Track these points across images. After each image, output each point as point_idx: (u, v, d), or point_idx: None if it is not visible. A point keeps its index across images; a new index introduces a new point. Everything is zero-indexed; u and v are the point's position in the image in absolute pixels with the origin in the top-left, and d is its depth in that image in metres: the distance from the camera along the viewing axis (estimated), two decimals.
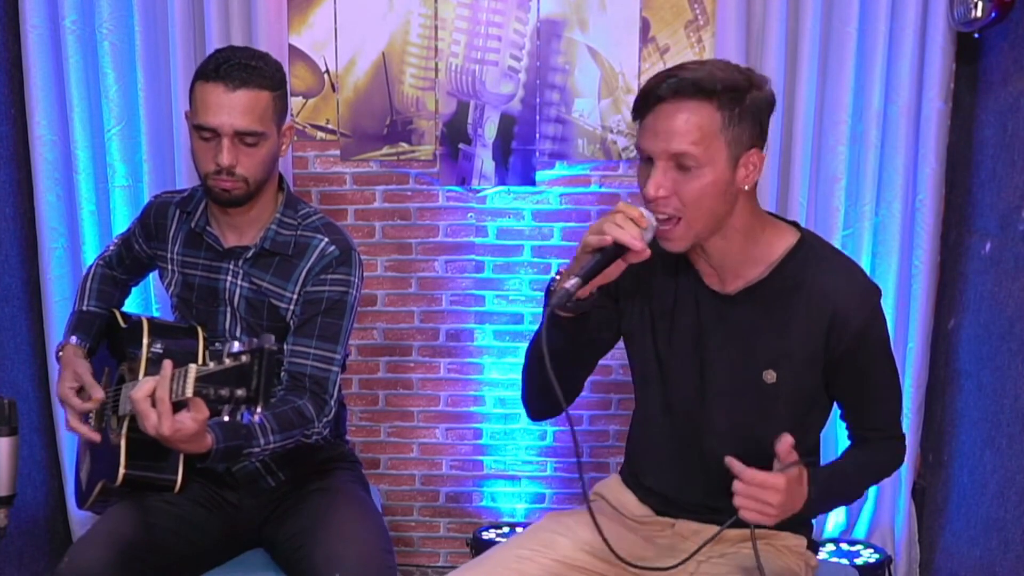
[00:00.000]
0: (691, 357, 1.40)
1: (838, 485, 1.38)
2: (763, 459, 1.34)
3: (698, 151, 1.23)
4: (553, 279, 1.31)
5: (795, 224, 1.42)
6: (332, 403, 1.63)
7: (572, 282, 1.21)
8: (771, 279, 1.35)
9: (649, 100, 1.26)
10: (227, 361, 1.23)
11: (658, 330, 1.43)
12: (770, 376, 1.36)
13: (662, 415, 1.45)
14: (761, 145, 1.30)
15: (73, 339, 1.72)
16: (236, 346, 1.24)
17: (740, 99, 1.25)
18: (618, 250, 1.23)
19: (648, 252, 1.24)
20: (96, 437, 1.64)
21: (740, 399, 1.38)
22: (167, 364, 1.33)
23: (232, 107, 1.52)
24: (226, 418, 1.25)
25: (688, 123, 1.23)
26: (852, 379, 1.38)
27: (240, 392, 1.22)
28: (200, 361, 1.32)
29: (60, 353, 1.72)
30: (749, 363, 1.37)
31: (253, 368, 1.22)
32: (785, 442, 1.24)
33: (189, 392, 1.25)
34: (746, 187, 1.29)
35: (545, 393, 1.42)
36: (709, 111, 1.23)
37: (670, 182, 1.25)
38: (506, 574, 1.36)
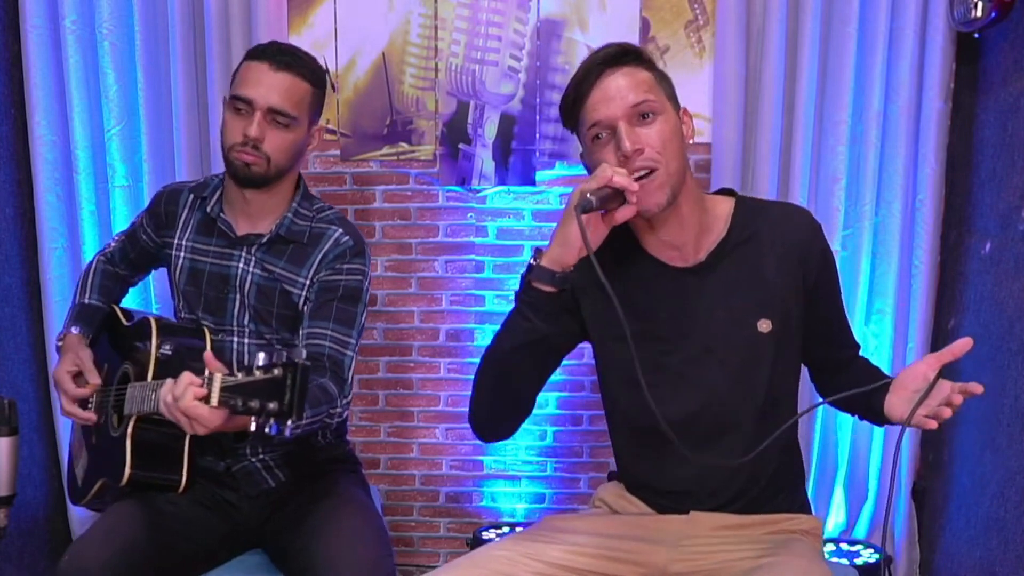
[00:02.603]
0: (680, 339, 1.41)
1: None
2: (776, 416, 1.38)
3: (652, 97, 1.33)
4: (532, 261, 1.32)
5: (725, 191, 1.51)
6: (350, 385, 1.64)
7: (590, 199, 1.23)
8: (731, 235, 1.43)
9: (589, 78, 1.34)
10: (257, 373, 1.21)
11: (634, 329, 1.43)
12: (765, 325, 1.41)
13: (660, 411, 1.45)
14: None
15: (75, 329, 1.73)
16: (262, 358, 1.22)
17: (655, 65, 1.39)
18: (613, 198, 1.26)
19: (634, 193, 1.26)
20: (92, 417, 1.66)
21: (742, 361, 1.41)
22: (186, 374, 1.30)
23: (272, 84, 1.59)
24: (253, 428, 1.23)
25: (635, 78, 1.34)
26: (828, 303, 1.48)
27: (272, 406, 1.20)
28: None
29: (60, 343, 1.73)
30: (741, 320, 1.41)
31: (286, 382, 1.20)
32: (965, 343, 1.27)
33: (214, 402, 1.24)
34: (691, 140, 1.40)
35: (508, 395, 1.42)
36: (642, 70, 1.35)
37: (638, 137, 1.31)
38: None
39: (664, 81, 1.38)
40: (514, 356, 1.36)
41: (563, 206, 2.34)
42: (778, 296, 1.41)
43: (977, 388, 1.24)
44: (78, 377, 1.67)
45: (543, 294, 1.31)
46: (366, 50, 2.34)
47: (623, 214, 1.29)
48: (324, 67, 2.34)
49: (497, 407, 1.45)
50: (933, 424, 1.26)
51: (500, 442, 1.55)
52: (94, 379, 1.66)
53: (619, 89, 1.32)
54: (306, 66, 1.63)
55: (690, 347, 1.41)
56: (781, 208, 1.51)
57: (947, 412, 1.25)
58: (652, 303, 1.43)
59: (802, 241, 1.43)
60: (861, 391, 1.36)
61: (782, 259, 1.41)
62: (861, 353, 1.56)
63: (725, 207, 1.46)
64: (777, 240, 1.42)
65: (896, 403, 1.31)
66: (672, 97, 1.38)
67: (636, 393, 1.46)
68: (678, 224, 1.40)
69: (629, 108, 1.32)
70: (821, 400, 1.45)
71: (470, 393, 1.47)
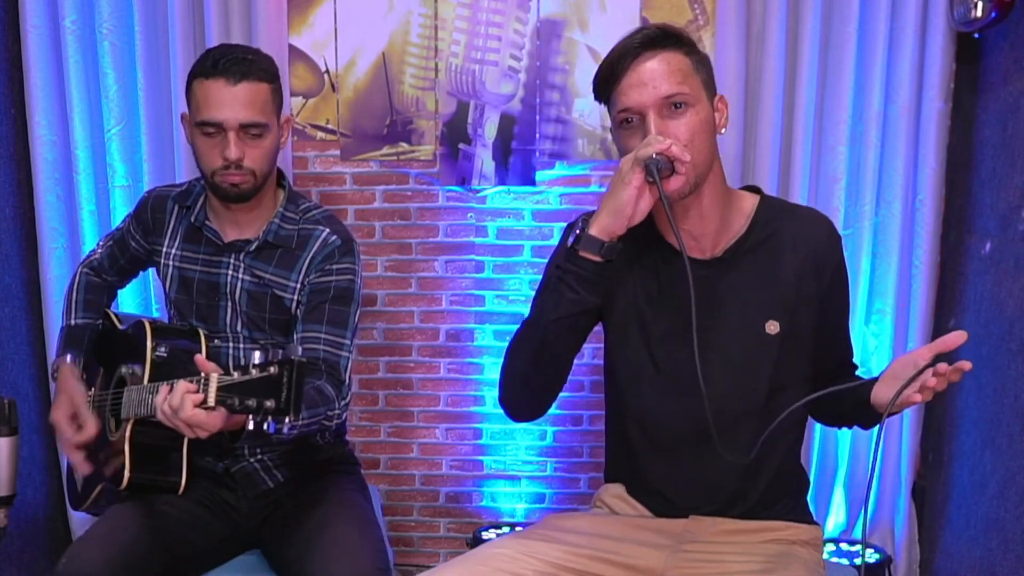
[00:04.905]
0: (687, 333, 1.40)
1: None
2: (775, 428, 1.35)
3: (685, 89, 1.31)
4: (580, 223, 1.32)
5: (751, 188, 1.49)
6: (348, 386, 1.64)
7: (657, 159, 1.24)
8: (750, 234, 1.41)
9: (624, 60, 1.32)
10: (253, 372, 1.22)
11: (647, 319, 1.43)
12: (773, 327, 1.40)
13: (661, 405, 1.44)
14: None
15: (68, 357, 1.73)
16: (258, 356, 1.23)
17: (696, 49, 1.36)
18: (664, 166, 1.25)
19: (684, 164, 1.26)
20: (87, 469, 1.65)
21: (746, 360, 1.40)
22: (182, 383, 1.31)
23: (236, 100, 1.54)
24: (251, 426, 1.23)
25: (671, 65, 1.31)
26: (833, 315, 1.47)
27: (269, 403, 1.21)
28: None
29: (55, 372, 1.73)
30: (749, 319, 1.40)
31: (283, 379, 1.21)
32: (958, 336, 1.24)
33: (211, 402, 1.24)
34: (723, 131, 1.38)
35: (546, 368, 1.40)
36: (680, 55, 1.33)
37: (667, 128, 1.30)
38: (495, 574, 1.34)
39: (702, 67, 1.35)
40: (556, 327, 1.35)
41: (562, 206, 2.37)
42: (790, 299, 1.40)
43: (966, 365, 1.21)
44: (74, 418, 1.66)
45: (590, 263, 1.31)
46: (366, 50, 2.34)
47: (673, 184, 1.28)
48: (326, 69, 2.34)
49: (534, 382, 1.43)
50: (918, 398, 1.22)
51: (530, 421, 1.54)
52: (90, 425, 1.64)
53: (653, 76, 1.30)
54: (259, 67, 1.58)
55: (692, 351, 1.38)
56: (805, 212, 1.49)
57: (933, 382, 1.21)
58: (664, 293, 1.42)
59: (821, 248, 1.42)
60: (847, 387, 1.32)
61: (799, 263, 1.40)
62: (857, 372, 1.55)
63: (749, 204, 1.44)
64: (797, 243, 1.41)
65: (883, 391, 1.28)
66: (709, 84, 1.36)
67: (643, 388, 1.46)
68: (698, 214, 1.38)
69: (661, 99, 1.30)
70: (806, 399, 1.35)
71: (501, 372, 1.45)
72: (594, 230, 1.30)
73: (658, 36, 1.32)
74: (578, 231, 1.32)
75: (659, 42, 1.31)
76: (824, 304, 1.43)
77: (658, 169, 1.25)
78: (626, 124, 1.34)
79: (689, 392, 1.37)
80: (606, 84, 1.35)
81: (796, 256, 1.40)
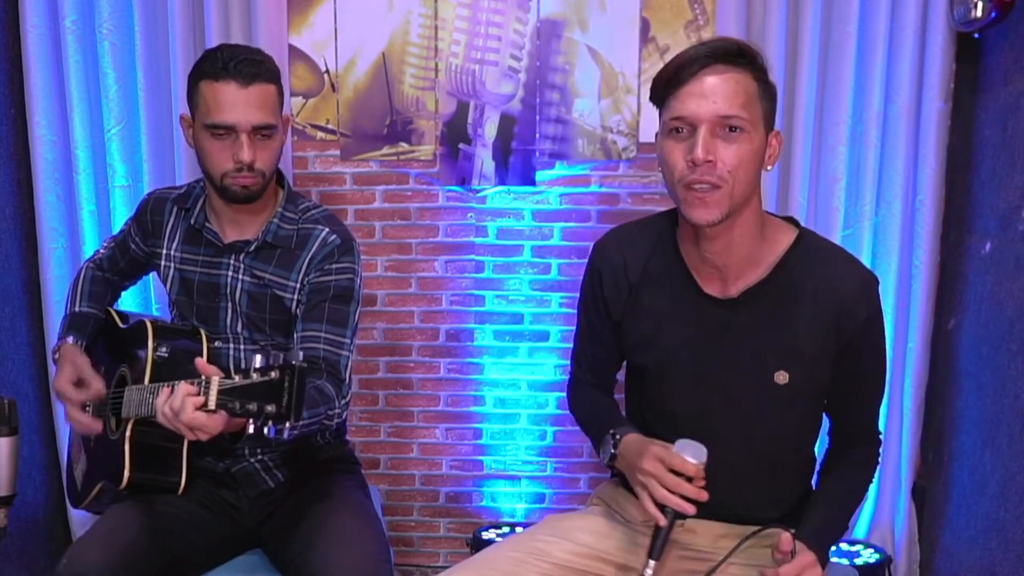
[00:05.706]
0: (695, 370, 1.38)
1: (835, 531, 1.41)
2: (778, 465, 1.34)
3: (745, 115, 1.23)
4: (611, 446, 1.37)
5: (790, 220, 1.42)
6: (348, 385, 1.63)
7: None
8: (773, 277, 1.34)
9: (692, 67, 1.23)
10: (254, 376, 1.21)
11: (657, 349, 1.41)
12: (782, 377, 1.34)
13: (666, 432, 1.43)
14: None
15: (70, 339, 1.71)
16: (259, 360, 1.23)
17: (766, 76, 1.28)
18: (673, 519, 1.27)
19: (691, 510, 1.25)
20: (98, 427, 1.63)
21: (752, 405, 1.36)
22: (183, 385, 1.31)
23: (248, 103, 1.54)
24: (251, 430, 1.23)
25: (738, 85, 1.23)
26: (851, 374, 1.37)
27: (270, 408, 1.20)
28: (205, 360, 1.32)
29: (56, 354, 1.72)
30: (759, 366, 1.35)
31: (284, 384, 1.20)
32: (785, 541, 1.27)
33: (212, 405, 1.24)
34: (769, 167, 1.30)
35: None
36: (749, 78, 1.25)
37: (715, 148, 1.23)
38: None
39: (767, 97, 1.27)
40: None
41: (562, 206, 2.36)
42: (804, 349, 1.34)
43: None
44: (78, 384, 1.65)
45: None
46: (366, 50, 2.34)
47: (705, 214, 1.26)
48: (326, 69, 2.34)
49: None
50: None
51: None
52: (96, 383, 1.63)
53: (715, 91, 1.22)
54: (267, 68, 1.57)
55: (702, 385, 1.37)
56: (840, 259, 1.38)
57: None
58: (675, 329, 1.39)
59: (845, 299, 1.32)
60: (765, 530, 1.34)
61: (820, 312, 1.32)
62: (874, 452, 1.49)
63: (783, 242, 1.36)
64: (820, 293, 1.32)
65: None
66: (769, 116, 1.28)
67: (649, 412, 1.46)
68: (726, 244, 1.32)
69: (718, 116, 1.22)
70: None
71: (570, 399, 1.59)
72: (619, 465, 1.38)
73: (732, 51, 1.23)
74: (612, 449, 1.37)
75: (732, 58, 1.23)
76: (840, 361, 1.35)
77: (674, 516, 1.26)
78: (675, 132, 1.26)
79: (697, 430, 1.34)
80: (665, 87, 1.26)
81: (817, 306, 1.32)
